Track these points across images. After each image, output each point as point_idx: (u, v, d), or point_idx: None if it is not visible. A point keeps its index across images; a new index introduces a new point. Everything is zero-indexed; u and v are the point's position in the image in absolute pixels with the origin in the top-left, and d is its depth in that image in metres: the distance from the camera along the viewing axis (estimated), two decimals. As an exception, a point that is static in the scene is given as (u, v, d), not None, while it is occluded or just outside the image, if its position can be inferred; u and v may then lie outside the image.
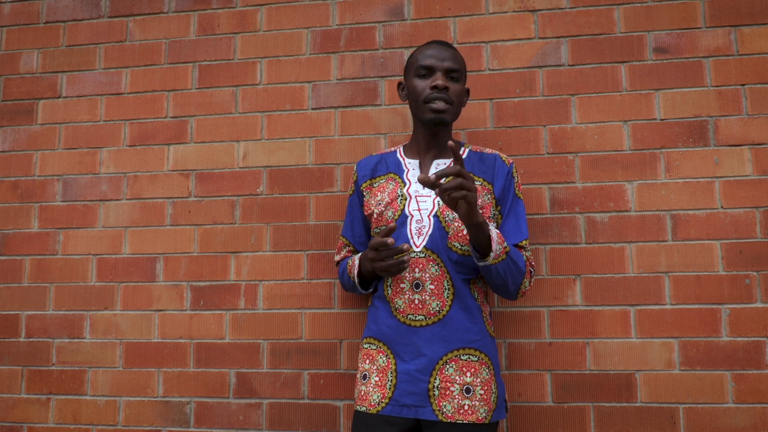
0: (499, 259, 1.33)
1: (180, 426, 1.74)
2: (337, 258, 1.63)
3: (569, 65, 1.75)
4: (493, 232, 1.32)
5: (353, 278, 1.47)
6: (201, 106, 1.89)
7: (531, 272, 1.47)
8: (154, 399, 1.77)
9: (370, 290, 1.50)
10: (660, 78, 1.71)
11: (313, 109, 1.84)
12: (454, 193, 1.18)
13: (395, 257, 1.31)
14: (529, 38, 1.78)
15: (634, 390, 1.59)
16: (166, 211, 1.85)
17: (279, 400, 1.71)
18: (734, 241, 1.62)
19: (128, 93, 1.93)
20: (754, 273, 1.60)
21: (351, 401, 1.69)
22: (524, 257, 1.44)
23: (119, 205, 1.88)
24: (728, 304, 1.60)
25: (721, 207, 1.64)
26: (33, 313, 1.86)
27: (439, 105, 1.40)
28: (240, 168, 1.84)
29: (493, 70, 1.78)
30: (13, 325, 1.86)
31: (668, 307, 1.61)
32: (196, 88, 1.90)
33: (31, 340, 1.85)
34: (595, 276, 1.65)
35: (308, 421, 1.69)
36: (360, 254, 1.47)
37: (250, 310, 1.77)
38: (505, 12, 1.80)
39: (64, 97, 1.96)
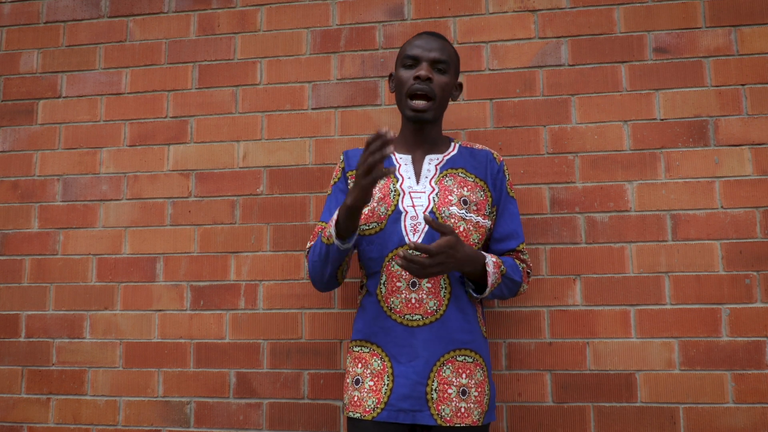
0: (496, 284, 1.35)
1: (180, 426, 1.74)
2: (310, 244, 1.44)
3: (569, 65, 1.75)
4: (489, 264, 1.31)
5: (329, 233, 1.29)
6: (201, 106, 1.89)
7: (528, 273, 1.47)
8: (154, 399, 1.77)
9: (350, 244, 1.31)
10: (660, 78, 1.71)
11: (313, 109, 1.84)
12: (434, 269, 1.21)
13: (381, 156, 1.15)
14: (529, 38, 1.78)
15: (634, 390, 1.59)
16: (166, 211, 1.85)
17: (279, 400, 1.71)
18: (734, 241, 1.62)
19: (128, 93, 1.93)
20: (754, 273, 1.60)
21: (351, 401, 1.69)
22: (521, 267, 1.44)
23: (119, 205, 1.88)
24: (728, 304, 1.60)
25: (721, 207, 1.64)
26: (33, 313, 1.86)
27: (419, 104, 1.36)
28: (240, 168, 1.84)
29: (493, 70, 1.78)
30: (13, 325, 1.86)
31: (668, 307, 1.61)
32: (196, 88, 1.90)
33: (31, 340, 1.85)
34: (595, 276, 1.65)
35: (308, 421, 1.69)
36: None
37: (250, 310, 1.77)
38: (505, 12, 1.80)
39: (64, 97, 1.96)
